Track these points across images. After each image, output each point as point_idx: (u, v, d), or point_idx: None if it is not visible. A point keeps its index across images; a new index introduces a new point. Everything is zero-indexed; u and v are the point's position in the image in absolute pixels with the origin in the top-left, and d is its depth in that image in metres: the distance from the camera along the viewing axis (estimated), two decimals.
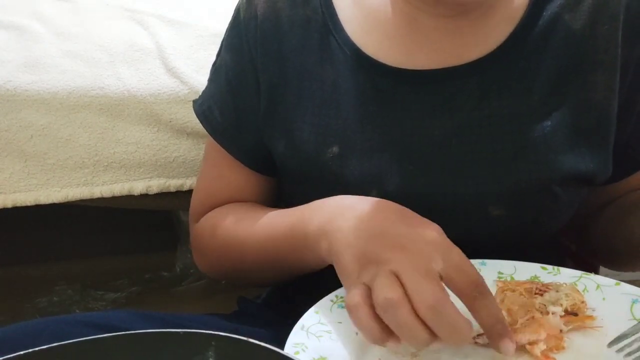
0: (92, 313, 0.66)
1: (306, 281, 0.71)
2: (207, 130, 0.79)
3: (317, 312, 0.59)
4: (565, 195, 0.69)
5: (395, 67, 0.69)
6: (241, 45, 0.75)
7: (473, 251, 0.60)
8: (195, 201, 0.83)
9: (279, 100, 0.73)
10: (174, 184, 1.05)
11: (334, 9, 0.71)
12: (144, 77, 1.02)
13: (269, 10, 0.73)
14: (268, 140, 0.75)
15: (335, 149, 0.69)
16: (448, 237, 0.58)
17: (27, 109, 0.98)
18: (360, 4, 0.72)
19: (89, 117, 1.00)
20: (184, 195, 1.02)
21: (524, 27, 0.68)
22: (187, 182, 1.03)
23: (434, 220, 0.60)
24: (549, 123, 0.67)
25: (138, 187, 1.04)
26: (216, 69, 0.80)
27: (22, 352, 0.42)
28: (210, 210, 0.81)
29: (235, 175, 0.79)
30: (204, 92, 0.82)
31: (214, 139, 0.79)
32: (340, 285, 0.61)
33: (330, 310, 0.60)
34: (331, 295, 0.62)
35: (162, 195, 1.06)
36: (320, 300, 0.61)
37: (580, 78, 0.67)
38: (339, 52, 0.70)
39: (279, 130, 0.73)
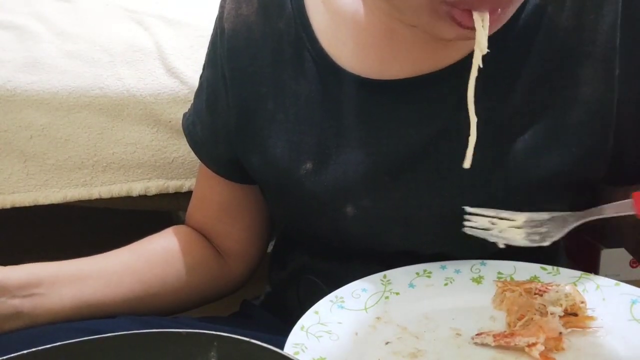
0: (90, 321, 0.66)
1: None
2: (189, 144, 0.81)
3: (316, 313, 0.59)
4: (548, 198, 0.65)
5: (370, 79, 0.66)
6: (216, 59, 0.74)
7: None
8: (190, 207, 0.85)
9: (251, 116, 0.71)
10: (172, 185, 1.04)
11: (307, 19, 0.68)
12: (143, 77, 1.02)
13: (240, 25, 0.71)
14: (242, 155, 0.74)
15: (309, 165, 0.68)
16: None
17: (26, 109, 0.98)
18: (333, 11, 0.68)
19: (88, 117, 1.00)
20: (183, 196, 1.02)
21: (505, 26, 0.60)
22: (186, 184, 1.03)
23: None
24: (530, 125, 0.63)
25: (137, 188, 1.04)
26: (200, 84, 0.81)
27: (24, 352, 0.42)
28: (202, 219, 0.82)
29: (220, 187, 0.80)
30: (190, 106, 0.83)
31: (195, 153, 0.81)
32: (339, 286, 0.62)
33: (330, 310, 0.60)
34: (331, 296, 0.62)
35: (161, 196, 1.06)
36: (320, 301, 0.61)
37: (566, 74, 0.63)
38: (312, 65, 0.68)
39: (253, 146, 0.72)
